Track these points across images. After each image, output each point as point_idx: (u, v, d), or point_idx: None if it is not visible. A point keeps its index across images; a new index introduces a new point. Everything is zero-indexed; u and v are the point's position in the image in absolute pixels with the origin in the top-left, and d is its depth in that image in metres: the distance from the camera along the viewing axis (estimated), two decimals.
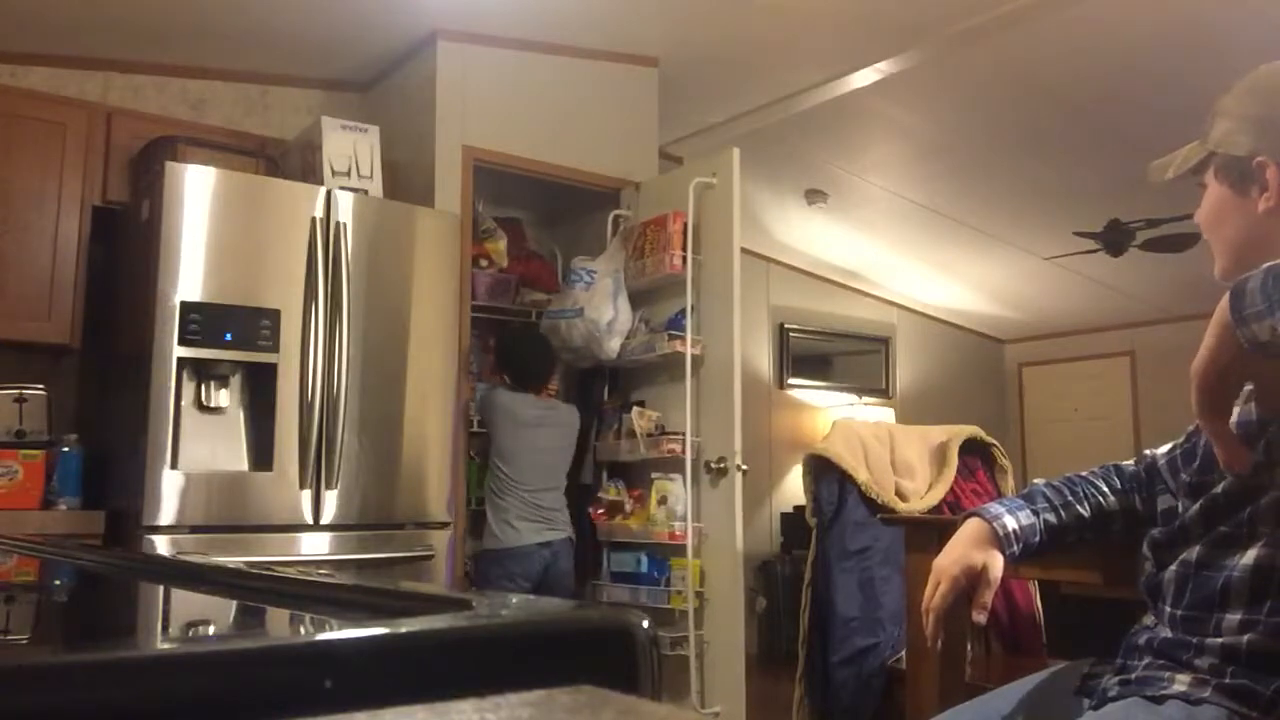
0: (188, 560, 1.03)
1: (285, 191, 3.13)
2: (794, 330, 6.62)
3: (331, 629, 0.52)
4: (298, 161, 3.45)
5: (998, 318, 7.41)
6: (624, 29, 3.95)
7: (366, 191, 3.30)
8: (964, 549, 1.36)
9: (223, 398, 2.94)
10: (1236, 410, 1.14)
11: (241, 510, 2.90)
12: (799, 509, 5.32)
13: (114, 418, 3.16)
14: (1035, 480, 1.49)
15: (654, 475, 3.68)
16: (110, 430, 3.17)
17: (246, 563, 0.89)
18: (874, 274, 6.75)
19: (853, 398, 6.82)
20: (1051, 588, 2.91)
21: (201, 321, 2.86)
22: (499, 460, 3.53)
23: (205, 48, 3.73)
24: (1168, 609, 1.22)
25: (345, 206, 3.14)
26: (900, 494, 3.12)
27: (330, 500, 3.02)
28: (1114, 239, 5.31)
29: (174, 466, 2.81)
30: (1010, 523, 1.37)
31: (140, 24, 3.48)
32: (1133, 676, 1.21)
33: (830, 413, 6.42)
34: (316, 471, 3.00)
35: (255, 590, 0.75)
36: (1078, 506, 1.42)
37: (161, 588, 0.91)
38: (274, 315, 2.98)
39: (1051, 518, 1.41)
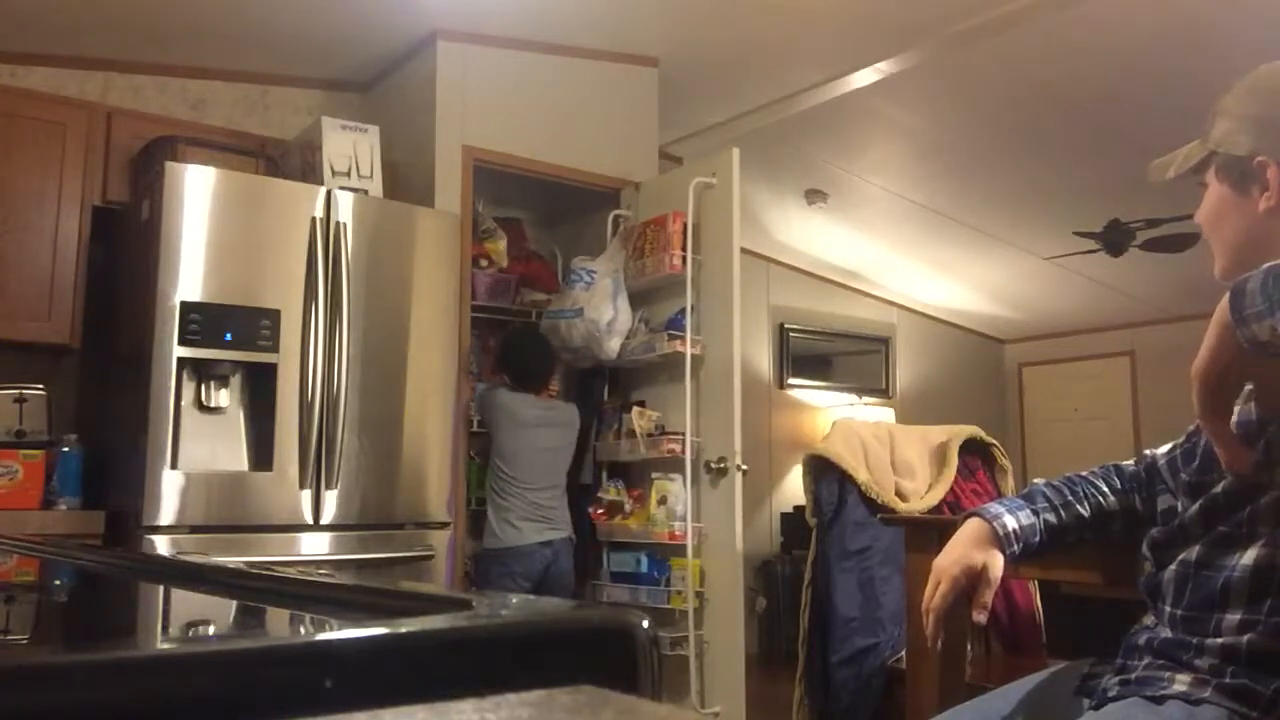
0: (188, 560, 1.03)
1: (285, 191, 3.13)
2: (794, 330, 6.62)
3: (331, 629, 0.52)
4: (298, 161, 3.45)
5: (998, 318, 7.41)
6: (624, 29, 3.96)
7: (366, 191, 3.30)
8: (964, 549, 1.36)
9: (223, 398, 2.94)
10: (1236, 410, 1.14)
11: (241, 510, 2.90)
12: (799, 509, 5.32)
13: (114, 418, 3.16)
14: (1035, 480, 1.49)
15: (654, 475, 3.68)
16: (110, 430, 3.17)
17: (246, 563, 0.89)
18: (874, 274, 6.75)
19: (853, 398, 6.82)
20: (1051, 588, 2.91)
21: (201, 321, 2.86)
22: (500, 460, 3.53)
23: (205, 48, 3.73)
24: (1167, 609, 1.22)
25: (345, 206, 3.14)
26: (900, 494, 3.12)
27: (330, 500, 3.02)
28: (1114, 239, 5.31)
29: (174, 466, 2.81)
30: (1010, 522, 1.37)
31: (140, 24, 3.48)
32: (1133, 676, 1.21)
33: (830, 413, 6.42)
34: (316, 471, 3.00)
35: (255, 590, 0.75)
36: (1078, 506, 1.42)
37: (161, 588, 0.91)
38: (274, 315, 2.98)
39: (1051, 518, 1.41)
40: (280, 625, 0.65)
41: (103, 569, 1.12)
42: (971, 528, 1.39)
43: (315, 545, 3.00)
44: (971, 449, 3.29)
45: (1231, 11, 3.47)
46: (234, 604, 0.76)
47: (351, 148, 3.34)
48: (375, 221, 3.22)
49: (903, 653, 2.45)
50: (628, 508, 3.78)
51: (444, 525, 3.25)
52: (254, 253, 3.00)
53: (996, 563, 1.34)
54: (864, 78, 4.17)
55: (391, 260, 3.25)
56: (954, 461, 3.19)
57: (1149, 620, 1.28)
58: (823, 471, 3.14)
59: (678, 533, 3.53)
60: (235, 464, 2.95)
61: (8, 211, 3.21)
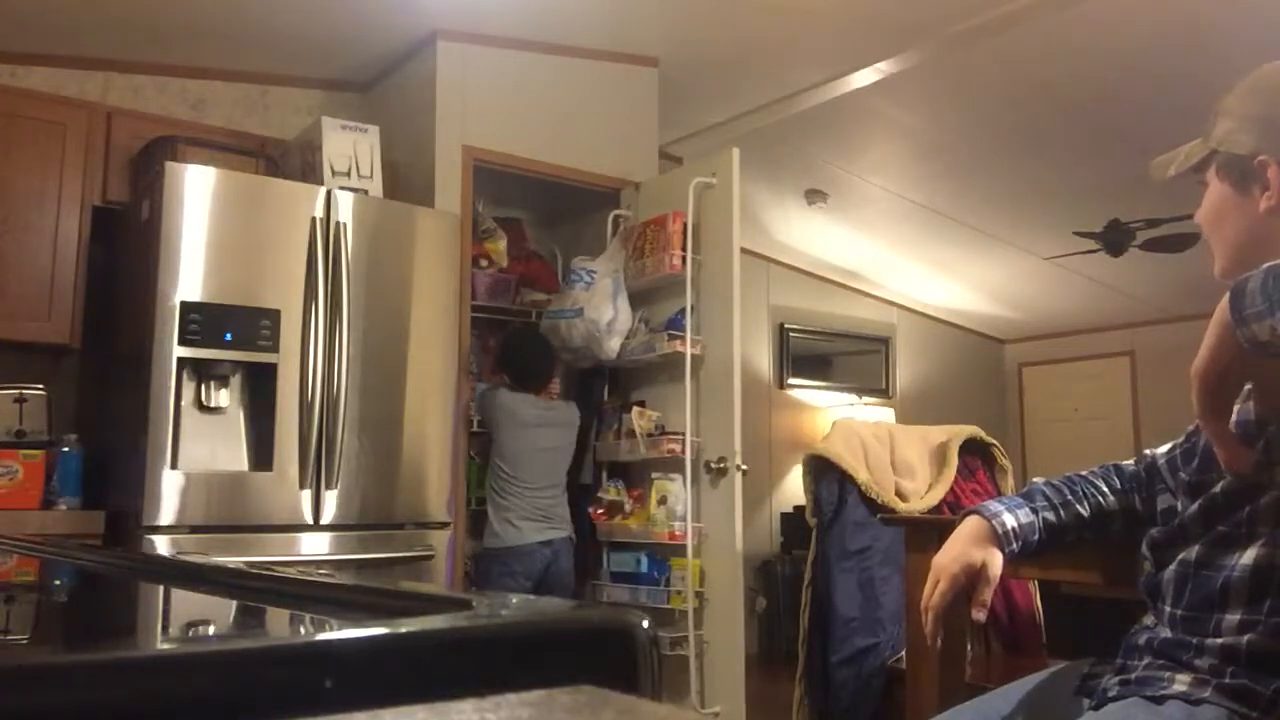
0: (188, 560, 1.03)
1: (285, 191, 3.13)
2: (794, 330, 6.62)
3: (331, 629, 0.52)
4: (298, 161, 3.45)
5: (998, 318, 7.41)
6: (624, 29, 3.96)
7: (366, 191, 3.30)
8: (963, 547, 1.36)
9: (223, 398, 2.94)
10: (1236, 409, 1.14)
11: (241, 510, 2.90)
12: (799, 509, 5.32)
13: (114, 418, 3.16)
14: (1034, 479, 1.49)
15: (654, 475, 3.68)
16: (110, 430, 3.17)
17: (246, 563, 0.89)
18: (874, 274, 6.75)
19: (853, 398, 6.81)
20: (1051, 588, 2.91)
21: (201, 321, 2.86)
22: (500, 460, 3.53)
23: (205, 48, 3.73)
24: (1167, 609, 1.22)
25: (345, 206, 3.14)
26: (900, 494, 3.12)
27: (330, 500, 3.02)
28: (1114, 239, 5.31)
29: (174, 466, 2.81)
30: (1009, 520, 1.38)
31: (140, 24, 3.48)
32: (1133, 676, 1.21)
33: (830, 413, 6.42)
34: (316, 471, 3.00)
35: (255, 590, 0.75)
36: (1077, 506, 1.42)
37: (161, 588, 0.91)
38: (274, 315, 2.98)
39: (1051, 516, 1.41)
40: (280, 625, 0.65)
41: (103, 569, 1.12)
42: (970, 526, 1.39)
43: (315, 545, 3.00)
44: (971, 449, 3.29)
45: (1231, 11, 3.47)
46: (234, 604, 0.76)
47: (351, 148, 3.34)
48: (375, 221, 3.22)
49: (903, 653, 2.45)
50: (628, 508, 3.78)
51: (444, 525, 3.25)
52: (254, 253, 3.00)
53: (996, 561, 1.34)
54: (864, 78, 4.17)
55: (391, 260, 3.25)
56: (954, 461, 3.19)
57: (1149, 620, 1.28)
58: (823, 471, 3.14)
59: (678, 533, 3.53)
60: (235, 464, 2.95)
61: (8, 211, 3.21)
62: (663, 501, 3.61)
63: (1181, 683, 1.14)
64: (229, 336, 2.90)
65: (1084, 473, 1.48)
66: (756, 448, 5.82)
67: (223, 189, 2.97)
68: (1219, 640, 1.14)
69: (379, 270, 3.19)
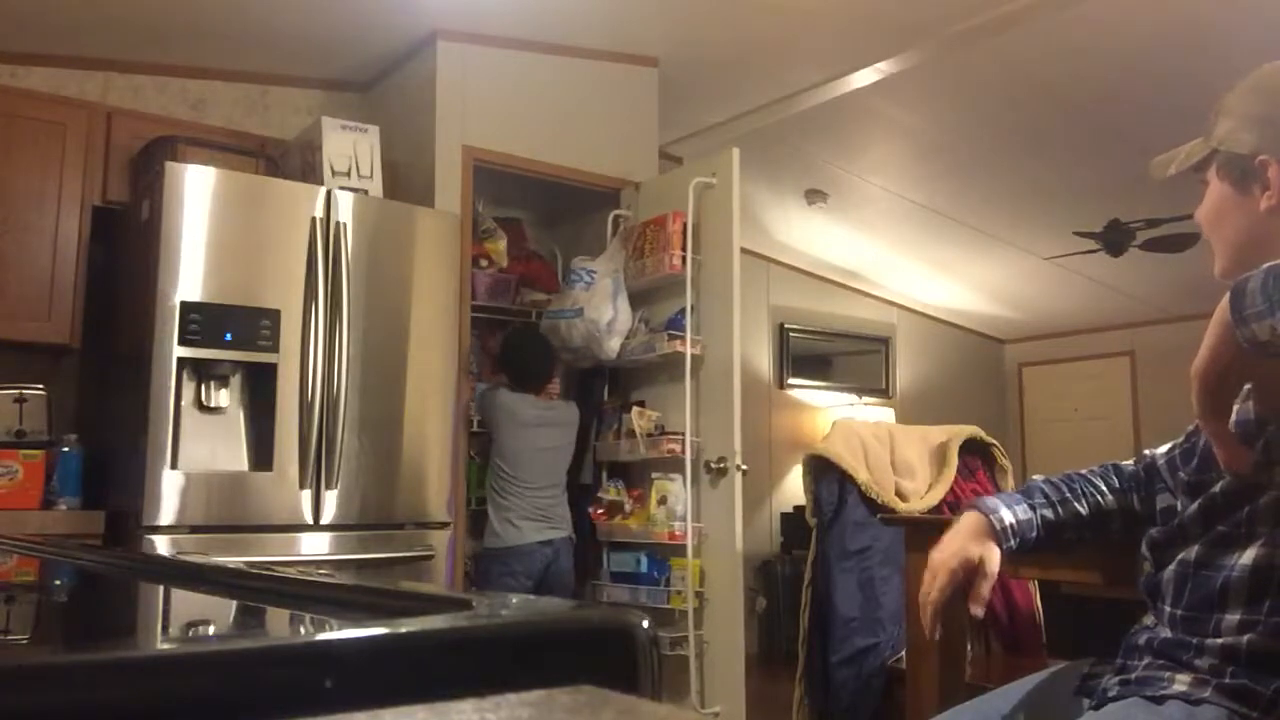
0: (188, 560, 1.03)
1: (285, 191, 3.13)
2: (794, 330, 6.62)
3: (331, 629, 0.52)
4: (298, 161, 3.45)
5: (998, 318, 7.41)
6: (624, 29, 3.96)
7: (366, 191, 3.30)
8: (961, 542, 1.36)
9: (223, 398, 2.94)
10: (1235, 409, 1.14)
11: (241, 510, 2.90)
12: (799, 509, 5.32)
13: (114, 418, 3.16)
14: (1034, 477, 1.50)
15: (654, 475, 3.68)
16: (110, 430, 3.17)
17: (246, 563, 0.89)
18: (874, 274, 6.75)
19: (853, 398, 6.81)
20: (1051, 588, 2.91)
21: (201, 321, 2.86)
22: (500, 460, 3.53)
23: (205, 48, 3.73)
24: (1167, 609, 1.22)
25: (345, 206, 3.14)
26: (900, 494, 3.12)
27: (330, 500, 3.02)
28: (1114, 239, 5.31)
29: (174, 466, 2.81)
30: (1007, 516, 1.38)
31: (140, 24, 3.48)
32: (1133, 676, 1.21)
33: (830, 413, 6.42)
34: (316, 471, 3.00)
35: (255, 590, 0.75)
36: (1075, 504, 1.43)
37: (161, 588, 0.91)
38: (274, 315, 2.98)
39: (1049, 514, 1.41)
40: (280, 625, 0.65)
41: (103, 569, 1.12)
42: (968, 521, 1.39)
43: (315, 545, 3.00)
44: (971, 449, 3.29)
45: (1231, 11, 3.47)
46: (234, 604, 0.76)
47: (351, 148, 3.34)
48: (375, 221, 3.22)
49: (903, 653, 2.45)
50: (628, 508, 3.78)
51: (444, 525, 3.25)
52: (254, 253, 3.00)
53: (993, 556, 1.34)
54: (864, 78, 4.17)
55: (391, 260, 3.25)
56: (954, 461, 3.19)
57: (1149, 620, 1.28)
58: (823, 471, 3.13)
59: (678, 533, 3.53)
60: (235, 464, 2.95)
61: (8, 211, 3.21)
62: (663, 501, 3.61)
63: (1181, 683, 1.14)
64: (229, 336, 2.90)
65: (1083, 471, 1.48)
66: (756, 448, 5.82)
67: (223, 189, 2.97)
68: (1219, 640, 1.14)
69: (379, 270, 3.19)
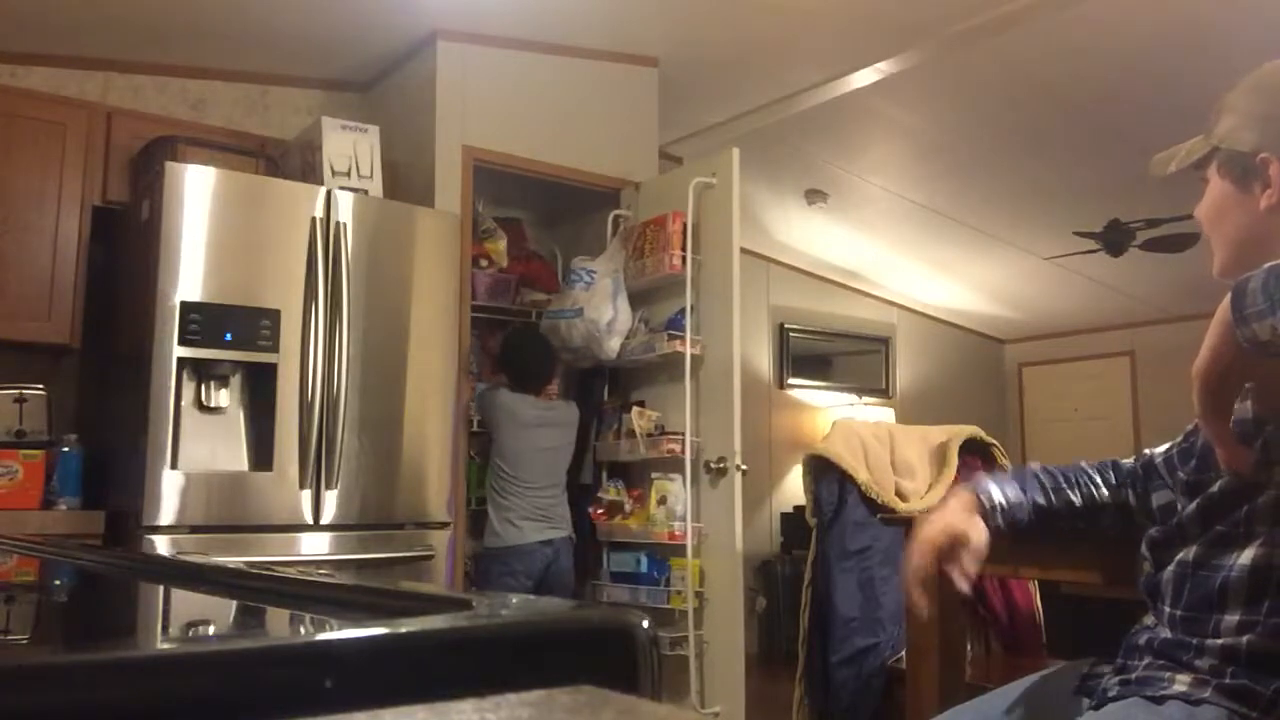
0: (188, 560, 1.03)
1: (285, 191, 3.13)
2: (794, 330, 6.61)
3: (331, 629, 0.52)
4: (298, 161, 3.45)
5: (998, 318, 7.41)
6: (624, 29, 3.95)
7: (366, 191, 3.30)
8: (947, 516, 1.37)
9: (223, 398, 2.94)
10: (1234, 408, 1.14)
11: (241, 510, 2.90)
12: (799, 509, 5.32)
13: (114, 418, 3.16)
14: (1031, 463, 1.50)
15: (654, 475, 3.68)
16: (110, 430, 3.17)
17: (246, 563, 0.89)
18: (874, 274, 6.75)
19: (853, 398, 6.81)
20: (1051, 588, 2.91)
21: (201, 321, 2.86)
22: (500, 460, 3.53)
23: (205, 48, 3.73)
24: (1167, 609, 1.22)
25: (345, 206, 3.14)
26: (900, 494, 3.12)
27: (330, 500, 3.02)
28: (1114, 239, 5.31)
29: (174, 466, 2.81)
30: (997, 495, 1.40)
31: (140, 24, 3.48)
32: (1133, 676, 1.21)
33: (830, 413, 6.42)
34: (316, 471, 3.00)
35: (255, 590, 0.75)
36: (1069, 492, 1.43)
37: (161, 588, 0.91)
38: (274, 315, 2.97)
39: (1041, 499, 1.42)
40: (280, 625, 0.65)
41: (103, 569, 1.12)
42: (957, 498, 1.41)
43: (315, 545, 3.00)
44: (971, 449, 3.29)
45: (1231, 11, 3.47)
46: (234, 604, 0.76)
47: (351, 148, 3.34)
48: (375, 221, 3.22)
49: (903, 653, 2.45)
50: (628, 508, 3.78)
51: (444, 525, 3.25)
52: (254, 253, 3.00)
53: (979, 529, 1.35)
54: (864, 78, 4.17)
55: (391, 260, 3.25)
56: (954, 461, 3.19)
57: (1149, 620, 1.28)
58: (823, 471, 3.13)
59: (677, 533, 3.53)
60: (235, 464, 2.95)
61: (8, 211, 3.21)
62: (662, 501, 3.61)
63: (1181, 683, 1.14)
64: (229, 336, 2.90)
65: (1081, 464, 1.49)
66: (756, 448, 5.82)
67: (223, 189, 2.97)
68: (1218, 641, 1.14)
69: (379, 270, 3.19)
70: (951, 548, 1.33)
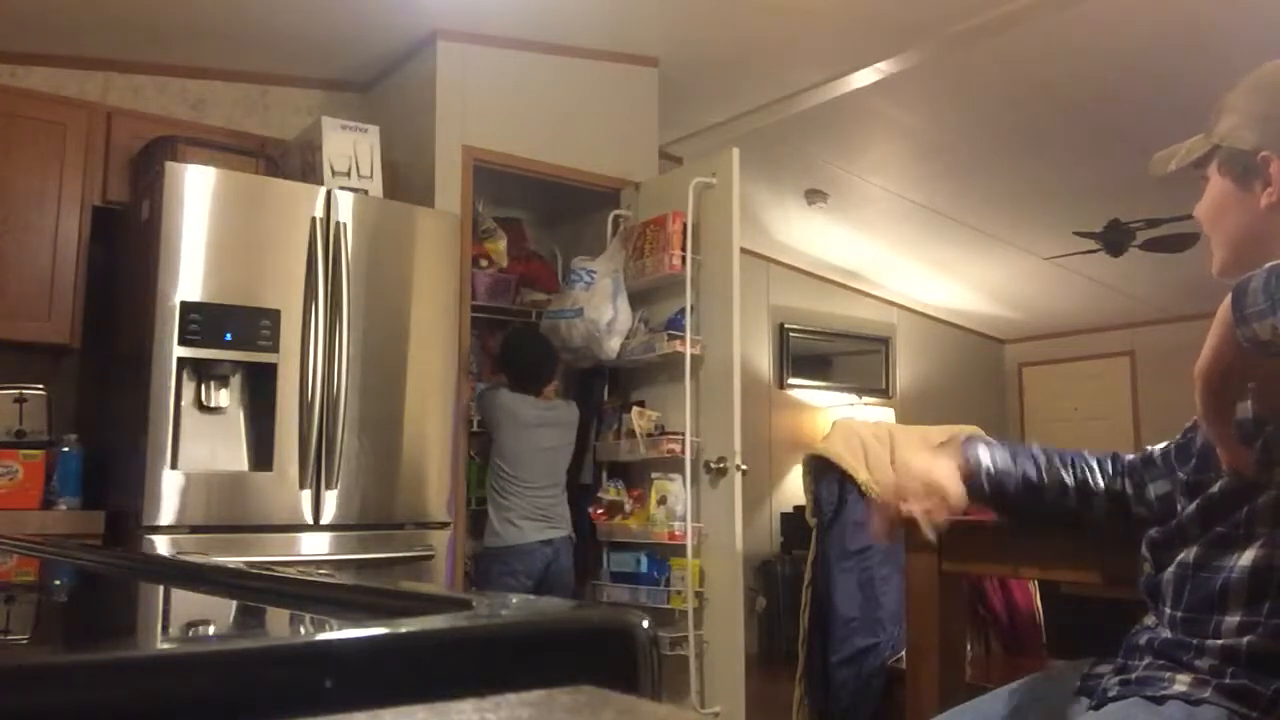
0: (188, 560, 1.03)
1: (285, 191, 3.13)
2: (794, 330, 6.61)
3: (331, 629, 0.52)
4: (298, 161, 3.45)
5: (998, 318, 7.41)
6: (624, 29, 3.95)
7: (366, 191, 3.30)
8: (932, 471, 1.39)
9: (223, 398, 2.94)
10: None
11: (241, 510, 2.90)
12: (799, 509, 5.32)
13: (114, 418, 3.16)
14: (1033, 443, 1.51)
15: (654, 475, 3.68)
16: (110, 430, 3.17)
17: (246, 563, 0.89)
18: (874, 274, 6.75)
19: (853, 398, 6.81)
20: (1051, 588, 2.91)
21: (201, 321, 2.86)
22: (500, 460, 3.53)
23: (205, 48, 3.73)
24: (1167, 610, 1.22)
25: (345, 206, 3.14)
26: None
27: (330, 500, 3.02)
28: (1114, 239, 5.31)
29: (174, 466, 2.81)
30: (984, 458, 1.42)
31: (140, 24, 3.48)
32: (1133, 676, 1.21)
33: (830, 413, 6.42)
34: (316, 471, 3.00)
35: (255, 590, 0.75)
36: (1062, 472, 1.44)
37: (161, 588, 0.91)
38: (274, 315, 2.97)
39: (1031, 472, 1.43)
40: (280, 625, 0.65)
41: (103, 569, 1.12)
42: (946, 455, 1.43)
43: (315, 545, 3.00)
44: None
45: (1231, 11, 3.47)
46: (234, 604, 0.76)
47: (351, 148, 3.34)
48: (375, 221, 3.22)
49: (903, 653, 2.45)
50: (628, 508, 3.78)
51: (444, 525, 3.25)
52: (254, 253, 3.00)
53: (957, 487, 1.37)
54: (864, 78, 4.17)
55: (391, 260, 3.25)
56: None
57: (1150, 620, 1.28)
58: (823, 471, 3.13)
59: (677, 533, 3.53)
60: (235, 464, 2.94)
61: (8, 211, 3.21)
62: (662, 501, 3.61)
63: (1182, 683, 1.14)
64: (229, 336, 2.90)
65: (1083, 451, 1.49)
66: (756, 448, 5.82)
67: (223, 189, 2.97)
68: (1219, 641, 1.14)
69: (379, 270, 3.19)
70: (926, 496, 1.34)
